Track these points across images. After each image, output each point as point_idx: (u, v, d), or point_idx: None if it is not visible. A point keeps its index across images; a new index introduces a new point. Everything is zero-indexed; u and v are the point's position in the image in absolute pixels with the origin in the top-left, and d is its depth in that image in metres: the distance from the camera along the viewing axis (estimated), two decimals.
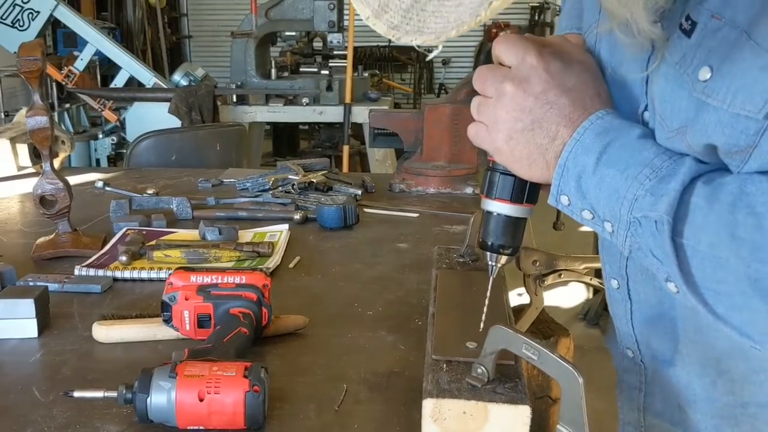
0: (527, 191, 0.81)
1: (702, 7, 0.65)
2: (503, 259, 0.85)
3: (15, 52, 3.90)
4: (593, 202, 0.73)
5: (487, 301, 0.90)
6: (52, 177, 1.46)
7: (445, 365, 0.83)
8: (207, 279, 1.08)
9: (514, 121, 0.75)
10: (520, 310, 1.50)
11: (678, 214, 0.67)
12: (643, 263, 0.74)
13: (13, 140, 2.10)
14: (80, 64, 4.52)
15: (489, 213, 0.83)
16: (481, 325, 0.89)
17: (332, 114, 4.46)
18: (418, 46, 0.80)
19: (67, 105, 4.82)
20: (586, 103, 0.75)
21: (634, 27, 0.67)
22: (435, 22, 0.62)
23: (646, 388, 0.92)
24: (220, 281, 1.07)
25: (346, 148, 4.66)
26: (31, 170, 2.13)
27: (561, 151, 0.74)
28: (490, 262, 0.86)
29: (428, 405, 0.76)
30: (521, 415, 0.76)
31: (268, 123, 5.47)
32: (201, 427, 0.86)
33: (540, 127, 0.75)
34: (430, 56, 1.76)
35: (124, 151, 3.57)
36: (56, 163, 1.99)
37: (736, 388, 0.81)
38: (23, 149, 2.11)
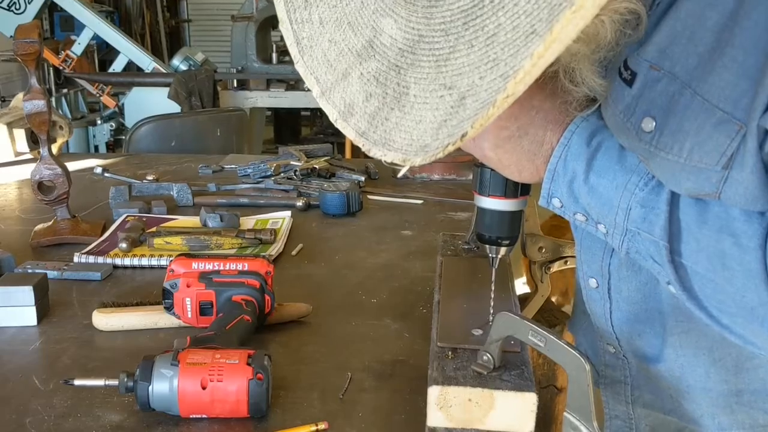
0: (520, 185, 0.80)
1: (639, 57, 0.66)
2: (503, 250, 0.85)
3: (11, 36, 3.87)
4: (586, 207, 0.73)
5: (492, 293, 0.89)
6: (50, 162, 1.44)
7: (450, 353, 0.82)
8: (209, 266, 1.06)
9: (499, 129, 0.73)
10: (524, 299, 1.49)
11: (672, 234, 0.67)
12: (642, 265, 0.74)
13: (10, 125, 2.08)
14: (78, 48, 4.49)
15: (483, 209, 0.82)
16: (490, 314, 0.88)
17: None
18: (387, 162, 0.80)
19: (65, 90, 4.78)
20: (568, 103, 0.73)
21: (578, 75, 0.67)
22: (400, 136, 0.61)
23: (632, 381, 0.92)
24: (222, 268, 1.06)
25: None
26: (29, 156, 2.12)
27: (550, 156, 0.73)
28: (490, 254, 0.86)
29: (433, 392, 0.75)
30: (528, 402, 0.75)
31: (269, 109, 5.44)
32: (203, 416, 0.85)
33: (527, 133, 0.73)
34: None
35: (123, 137, 3.55)
36: (54, 148, 1.97)
37: (730, 377, 0.81)
38: (20, 134, 2.09)
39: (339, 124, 0.66)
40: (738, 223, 0.63)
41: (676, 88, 0.63)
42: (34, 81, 1.41)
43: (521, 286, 1.63)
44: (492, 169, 0.79)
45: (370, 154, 0.64)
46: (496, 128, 0.74)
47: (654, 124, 0.65)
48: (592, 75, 0.67)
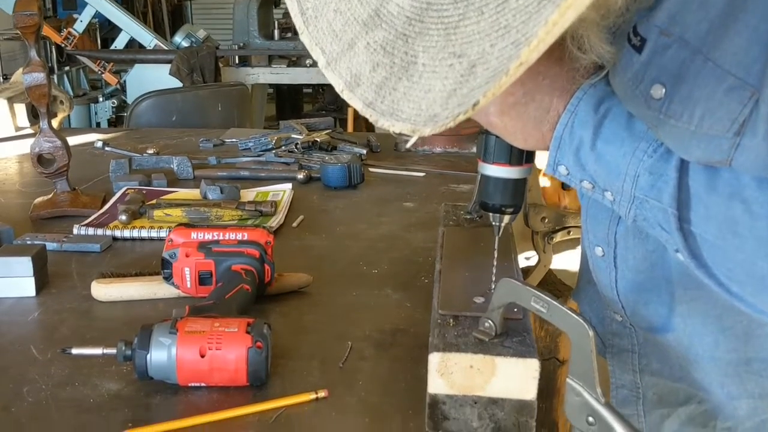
0: (525, 152, 0.79)
1: (650, 23, 0.64)
2: (506, 218, 0.84)
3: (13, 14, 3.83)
4: (593, 174, 0.72)
5: (494, 261, 0.87)
6: (50, 135, 1.43)
7: (451, 320, 0.81)
8: (208, 236, 1.05)
9: (506, 95, 0.71)
10: (526, 271, 1.48)
11: (681, 201, 0.66)
12: (649, 232, 0.72)
13: (11, 100, 2.07)
14: (80, 26, 4.46)
15: (488, 176, 0.81)
16: (492, 282, 0.87)
17: None
18: (395, 133, 0.78)
19: (67, 68, 4.76)
20: (575, 70, 0.72)
21: (586, 42, 0.66)
22: (408, 106, 0.59)
23: (639, 350, 0.91)
24: (221, 238, 1.05)
25: (351, 110, 4.61)
26: (29, 131, 2.10)
27: (556, 123, 0.72)
28: (493, 222, 0.85)
29: (434, 359, 0.74)
30: (530, 368, 0.74)
31: (270, 85, 5.41)
32: (202, 384, 0.84)
33: (533, 100, 0.72)
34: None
35: (125, 114, 3.53)
36: (54, 123, 1.96)
37: (739, 345, 0.80)
38: (21, 109, 2.08)
39: (345, 95, 0.64)
40: (749, 190, 0.62)
41: (687, 54, 0.62)
42: (33, 54, 1.39)
43: (524, 262, 1.62)
44: (497, 136, 0.77)
45: (378, 125, 0.62)
46: (503, 94, 0.72)
47: (664, 91, 0.64)
48: (601, 42, 0.66)
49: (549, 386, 1.65)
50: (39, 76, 1.39)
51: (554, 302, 0.71)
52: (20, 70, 2.18)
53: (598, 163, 0.71)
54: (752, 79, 0.58)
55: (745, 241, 0.63)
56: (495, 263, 0.88)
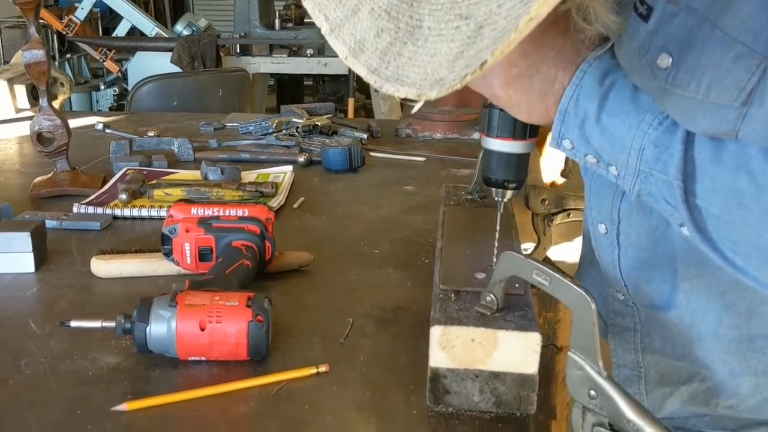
0: (529, 126, 0.78)
1: None
2: (509, 193, 0.83)
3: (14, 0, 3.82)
4: (597, 148, 0.71)
5: (496, 236, 0.87)
6: (49, 113, 1.42)
7: (453, 295, 0.80)
8: (208, 211, 1.04)
9: (510, 66, 0.71)
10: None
11: (686, 173, 0.65)
12: (654, 207, 0.72)
13: (11, 81, 2.06)
14: (81, 13, 4.45)
15: (491, 151, 0.80)
16: (494, 257, 0.86)
17: (337, 65, 4.38)
18: (400, 99, 0.76)
19: (68, 56, 4.75)
20: (580, 42, 0.71)
21: (592, 12, 0.65)
22: (414, 71, 0.58)
23: (642, 328, 0.91)
24: (221, 214, 1.04)
25: (351, 101, 4.59)
26: (29, 113, 2.09)
27: (561, 96, 0.71)
28: (496, 197, 0.84)
29: (436, 332, 0.74)
30: (531, 342, 0.74)
31: (271, 75, 5.40)
32: (202, 358, 0.83)
33: (538, 72, 0.71)
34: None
35: (126, 101, 3.52)
36: (55, 106, 1.95)
37: (742, 322, 0.80)
38: (21, 90, 2.07)
39: (349, 62, 0.63)
40: (755, 162, 0.61)
41: (695, 22, 0.61)
42: (33, 30, 1.38)
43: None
44: (501, 110, 0.77)
45: (383, 91, 0.61)
46: (507, 65, 0.71)
47: (670, 60, 0.63)
48: (607, 12, 0.65)
49: (547, 373, 1.64)
50: (38, 53, 1.38)
51: (556, 274, 0.71)
52: (20, 52, 2.17)
53: (602, 137, 0.70)
54: (760, 47, 0.57)
55: (750, 213, 0.63)
56: (497, 239, 0.87)
